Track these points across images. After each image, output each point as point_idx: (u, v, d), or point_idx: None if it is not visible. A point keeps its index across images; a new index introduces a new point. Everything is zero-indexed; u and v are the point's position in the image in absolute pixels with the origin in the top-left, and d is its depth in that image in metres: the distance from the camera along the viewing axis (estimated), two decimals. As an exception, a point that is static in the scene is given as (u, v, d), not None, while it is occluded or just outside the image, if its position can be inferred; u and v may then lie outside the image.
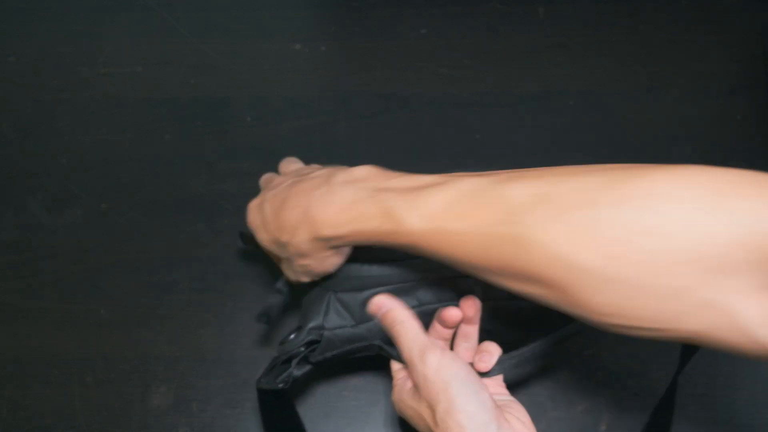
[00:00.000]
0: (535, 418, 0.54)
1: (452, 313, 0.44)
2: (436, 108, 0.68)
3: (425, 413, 0.40)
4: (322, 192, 0.41)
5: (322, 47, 0.71)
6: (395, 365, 0.46)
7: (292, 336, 0.45)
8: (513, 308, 0.45)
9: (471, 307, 0.44)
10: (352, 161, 0.65)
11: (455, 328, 0.45)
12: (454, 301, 0.45)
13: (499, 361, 0.44)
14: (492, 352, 0.44)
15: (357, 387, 0.55)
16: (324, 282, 0.46)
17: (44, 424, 0.55)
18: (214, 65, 0.70)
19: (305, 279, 0.46)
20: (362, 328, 0.45)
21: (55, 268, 0.61)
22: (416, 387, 0.41)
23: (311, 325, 0.45)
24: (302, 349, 0.44)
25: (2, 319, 0.59)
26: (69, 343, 0.57)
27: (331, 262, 0.44)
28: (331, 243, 0.41)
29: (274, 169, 0.65)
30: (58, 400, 0.55)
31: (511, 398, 0.44)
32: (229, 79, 0.70)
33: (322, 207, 0.40)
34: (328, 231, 0.40)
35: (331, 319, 0.45)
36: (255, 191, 0.64)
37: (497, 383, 0.45)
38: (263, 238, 0.45)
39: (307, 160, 0.65)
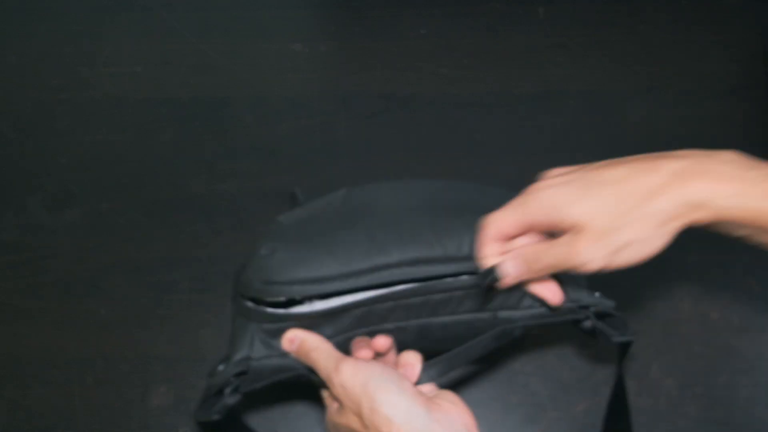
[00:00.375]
0: (535, 418, 0.54)
1: (380, 342, 0.44)
2: (436, 108, 0.68)
3: (353, 423, 0.40)
4: (691, 168, 0.37)
5: (322, 47, 0.71)
6: (325, 393, 0.46)
7: (221, 367, 0.45)
8: (438, 324, 0.45)
9: (382, 347, 0.45)
10: (352, 161, 0.65)
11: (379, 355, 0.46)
12: (371, 327, 0.45)
13: (424, 368, 0.44)
14: (413, 362, 0.44)
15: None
16: (247, 313, 0.46)
17: (44, 424, 0.55)
18: (214, 65, 0.70)
19: (621, 261, 0.39)
20: (290, 358, 0.45)
21: (55, 268, 0.61)
22: (340, 402, 0.41)
23: (238, 356, 0.44)
24: (232, 379, 0.44)
25: (2, 319, 0.59)
26: (69, 343, 0.57)
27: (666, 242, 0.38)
28: (703, 219, 0.37)
29: (275, 169, 0.66)
30: (58, 400, 0.55)
31: (439, 390, 0.43)
32: (229, 79, 0.70)
33: (706, 182, 0.36)
34: (720, 201, 0.36)
35: (257, 350, 0.45)
36: (255, 191, 0.64)
37: (429, 385, 0.45)
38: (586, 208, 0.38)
39: (307, 160, 0.66)
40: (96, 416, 0.55)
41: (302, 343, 0.44)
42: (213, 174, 0.65)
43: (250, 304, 0.46)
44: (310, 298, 0.45)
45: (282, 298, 0.44)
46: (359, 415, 0.39)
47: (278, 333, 0.45)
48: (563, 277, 0.45)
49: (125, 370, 0.56)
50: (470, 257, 0.43)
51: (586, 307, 0.45)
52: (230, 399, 0.44)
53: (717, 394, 0.54)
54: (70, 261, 0.61)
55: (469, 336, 0.45)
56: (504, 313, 0.45)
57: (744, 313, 0.57)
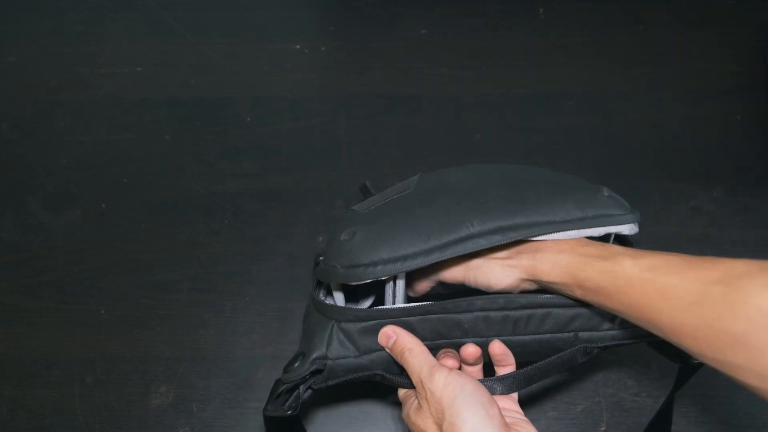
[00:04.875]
0: (535, 418, 0.54)
1: (469, 350, 0.45)
2: (436, 108, 0.68)
3: (430, 429, 0.40)
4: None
5: (322, 47, 0.71)
6: (401, 392, 0.46)
7: (297, 364, 0.45)
8: (517, 341, 0.45)
9: (471, 356, 0.45)
10: (352, 161, 0.65)
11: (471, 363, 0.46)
12: (453, 340, 0.45)
13: (506, 378, 0.44)
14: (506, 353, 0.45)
15: (358, 388, 0.55)
16: (325, 310, 0.45)
17: (44, 424, 0.55)
18: (214, 65, 0.70)
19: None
20: (365, 359, 0.45)
21: (55, 268, 0.61)
22: (423, 405, 0.41)
23: (315, 355, 0.44)
24: (307, 376, 0.44)
25: (2, 319, 0.59)
26: (69, 343, 0.57)
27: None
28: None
29: (275, 169, 0.66)
30: (58, 400, 0.55)
31: (523, 417, 0.44)
32: (229, 79, 0.70)
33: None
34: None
35: (334, 350, 0.44)
36: (255, 191, 0.64)
37: (511, 400, 0.45)
38: None
39: (307, 160, 0.66)
40: (96, 416, 0.55)
41: (399, 340, 0.44)
42: (213, 174, 0.65)
43: (330, 300, 0.46)
44: (396, 277, 0.45)
45: (368, 280, 0.43)
46: (439, 424, 0.39)
47: (356, 334, 0.44)
48: None
49: (125, 370, 0.56)
50: (551, 222, 0.43)
51: None
52: (304, 395, 0.44)
53: (717, 394, 0.54)
54: (70, 261, 0.61)
55: (546, 353, 0.45)
56: (585, 334, 0.45)
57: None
